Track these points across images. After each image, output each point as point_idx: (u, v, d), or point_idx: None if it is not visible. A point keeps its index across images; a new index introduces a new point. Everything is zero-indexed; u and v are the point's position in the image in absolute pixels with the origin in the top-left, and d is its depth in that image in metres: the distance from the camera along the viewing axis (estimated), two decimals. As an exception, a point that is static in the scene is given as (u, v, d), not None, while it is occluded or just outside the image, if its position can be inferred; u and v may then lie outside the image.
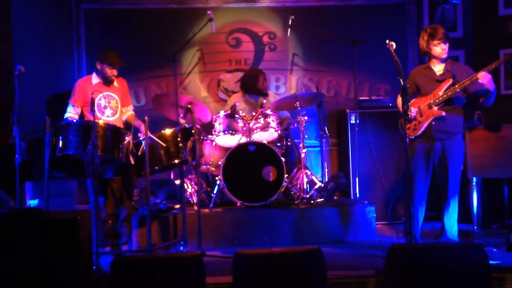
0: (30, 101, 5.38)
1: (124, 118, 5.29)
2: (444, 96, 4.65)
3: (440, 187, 4.83)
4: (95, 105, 4.89)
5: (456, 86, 4.61)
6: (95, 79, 5.17)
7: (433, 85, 4.75)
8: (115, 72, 5.13)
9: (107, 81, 5.15)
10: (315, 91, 6.13)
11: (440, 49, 4.71)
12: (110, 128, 4.54)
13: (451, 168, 4.73)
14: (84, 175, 4.47)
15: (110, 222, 5.10)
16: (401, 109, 4.88)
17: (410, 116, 4.31)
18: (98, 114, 4.91)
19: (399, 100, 4.96)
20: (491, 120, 5.75)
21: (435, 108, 4.69)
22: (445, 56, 4.75)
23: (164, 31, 6.85)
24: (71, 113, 5.10)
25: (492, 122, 5.58)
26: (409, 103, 4.33)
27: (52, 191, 4.72)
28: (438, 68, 4.78)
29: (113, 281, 3.15)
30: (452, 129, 4.73)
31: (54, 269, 3.29)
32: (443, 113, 4.65)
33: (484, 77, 4.52)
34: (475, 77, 4.55)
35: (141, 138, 4.69)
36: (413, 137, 4.76)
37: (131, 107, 5.40)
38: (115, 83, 5.22)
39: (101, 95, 5.02)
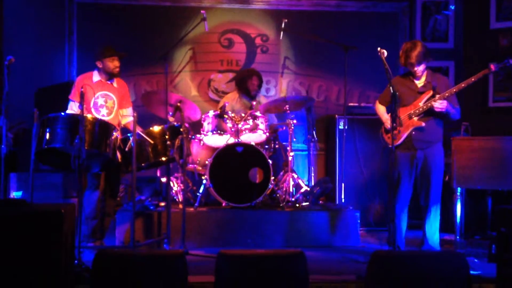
0: (19, 92, 5.36)
1: (123, 123, 5.18)
2: (424, 107, 4.72)
3: (421, 195, 4.86)
4: (92, 102, 4.91)
5: (436, 98, 4.68)
6: (96, 76, 5.13)
7: (414, 96, 4.80)
8: (116, 63, 5.12)
9: (112, 76, 5.13)
10: (305, 95, 6.14)
11: (413, 68, 4.77)
12: (98, 123, 4.51)
13: (433, 176, 4.78)
14: (70, 169, 4.44)
15: (96, 217, 5.08)
16: (381, 117, 4.94)
17: (397, 124, 4.34)
18: (93, 112, 4.93)
19: (380, 108, 5.01)
20: (478, 131, 5.80)
21: (415, 118, 4.75)
22: (419, 75, 4.81)
23: (156, 28, 6.85)
24: (72, 109, 5.03)
25: (478, 134, 5.63)
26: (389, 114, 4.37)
27: (36, 184, 4.68)
28: (419, 80, 4.84)
29: (94, 276, 3.14)
30: (432, 138, 4.79)
31: (36, 262, 3.27)
32: (423, 124, 4.71)
33: (437, 106, 4.65)
34: (432, 101, 4.67)
35: (128, 134, 4.68)
36: (393, 147, 4.81)
37: (130, 110, 5.30)
38: (115, 84, 5.19)
39: (99, 93, 5.02)
